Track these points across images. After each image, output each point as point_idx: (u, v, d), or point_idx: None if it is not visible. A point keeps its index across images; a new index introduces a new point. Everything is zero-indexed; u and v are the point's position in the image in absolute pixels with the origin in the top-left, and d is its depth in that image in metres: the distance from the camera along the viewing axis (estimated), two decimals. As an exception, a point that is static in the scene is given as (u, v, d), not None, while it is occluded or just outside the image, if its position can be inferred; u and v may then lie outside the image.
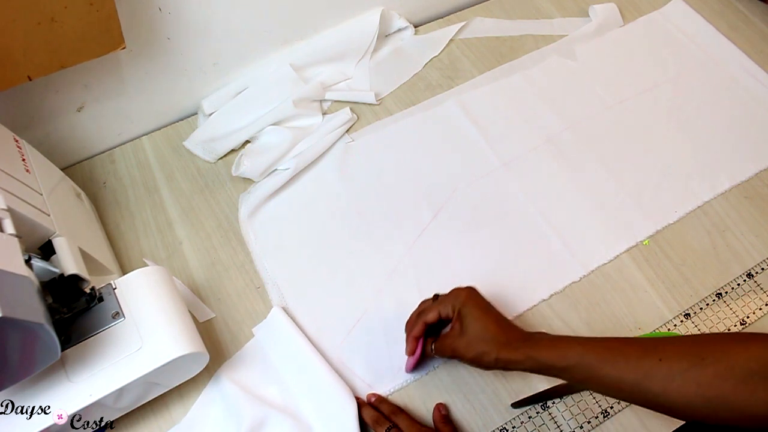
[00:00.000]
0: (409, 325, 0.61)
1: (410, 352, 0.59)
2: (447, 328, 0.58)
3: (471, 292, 0.58)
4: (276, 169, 0.76)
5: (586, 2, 0.92)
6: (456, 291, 0.58)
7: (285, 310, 0.66)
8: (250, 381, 0.62)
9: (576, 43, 0.88)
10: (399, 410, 0.60)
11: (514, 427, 0.60)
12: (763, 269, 0.69)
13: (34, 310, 0.43)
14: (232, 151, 0.78)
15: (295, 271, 0.69)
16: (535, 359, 0.51)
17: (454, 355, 0.57)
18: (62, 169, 0.67)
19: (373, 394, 0.61)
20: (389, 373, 0.63)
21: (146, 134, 0.80)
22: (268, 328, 0.65)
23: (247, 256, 0.71)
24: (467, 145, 0.78)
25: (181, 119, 0.82)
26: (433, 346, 0.59)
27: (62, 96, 0.69)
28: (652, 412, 0.60)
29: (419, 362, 0.61)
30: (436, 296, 0.61)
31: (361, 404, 0.60)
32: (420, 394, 0.62)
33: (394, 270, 0.69)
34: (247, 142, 0.79)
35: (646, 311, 0.66)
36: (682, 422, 0.60)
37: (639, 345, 0.49)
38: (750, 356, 0.44)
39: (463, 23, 0.89)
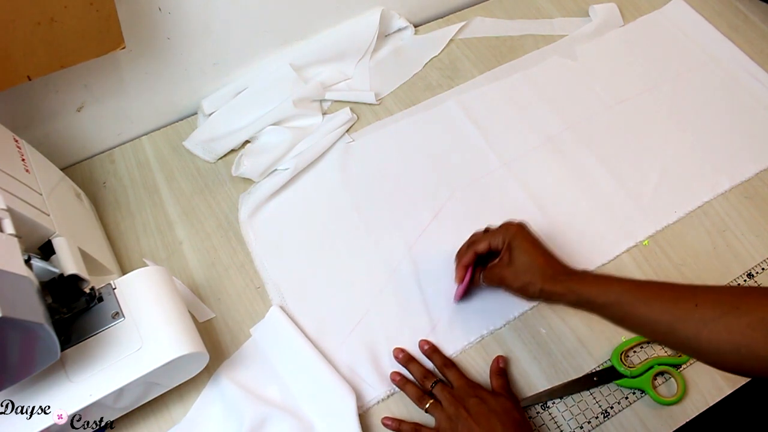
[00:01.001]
0: (460, 255, 0.62)
1: (459, 280, 0.62)
2: (496, 260, 0.60)
3: (521, 226, 0.60)
4: (276, 169, 0.76)
5: (586, 2, 0.92)
6: (507, 224, 0.61)
7: (285, 310, 0.66)
8: (250, 380, 0.62)
9: (576, 43, 0.88)
10: (451, 363, 0.61)
11: (514, 427, 0.60)
12: (763, 269, 0.69)
13: (34, 310, 0.43)
14: (232, 151, 0.78)
15: (295, 271, 0.69)
16: (577, 293, 0.53)
17: (501, 284, 0.59)
18: (62, 169, 0.67)
19: (426, 342, 0.62)
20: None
21: (146, 134, 0.80)
22: (266, 328, 0.65)
23: (247, 256, 0.71)
24: (467, 145, 0.78)
25: (181, 119, 0.82)
26: (481, 275, 0.61)
27: (62, 96, 0.69)
28: (651, 411, 0.60)
29: (466, 292, 0.64)
30: (487, 229, 0.63)
31: (405, 362, 0.61)
32: (420, 394, 0.62)
33: (394, 270, 0.69)
34: (247, 142, 0.79)
35: (646, 311, 0.66)
36: (683, 422, 0.60)
37: (677, 290, 0.49)
38: None
39: (463, 23, 0.89)
